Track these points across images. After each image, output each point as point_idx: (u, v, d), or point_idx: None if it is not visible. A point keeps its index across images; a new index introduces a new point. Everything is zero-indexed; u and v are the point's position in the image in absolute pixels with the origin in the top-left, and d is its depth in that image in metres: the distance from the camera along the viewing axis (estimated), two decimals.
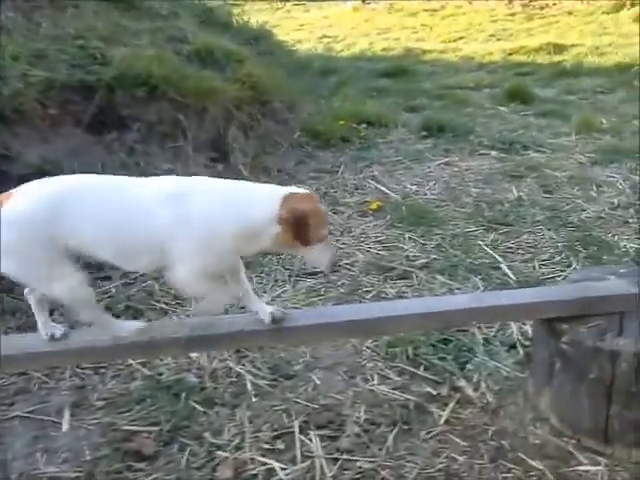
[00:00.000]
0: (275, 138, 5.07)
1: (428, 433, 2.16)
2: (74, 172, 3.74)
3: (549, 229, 3.62)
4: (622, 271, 2.13)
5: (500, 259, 3.29)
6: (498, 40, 10.55)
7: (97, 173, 1.88)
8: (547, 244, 3.42)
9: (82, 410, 2.35)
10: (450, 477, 1.98)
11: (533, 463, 1.98)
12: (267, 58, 8.06)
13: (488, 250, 3.38)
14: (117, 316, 2.97)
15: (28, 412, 2.31)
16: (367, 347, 2.65)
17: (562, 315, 1.90)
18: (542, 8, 12.99)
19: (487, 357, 2.50)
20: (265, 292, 3.16)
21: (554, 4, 13.11)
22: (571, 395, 1.96)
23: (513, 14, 12.82)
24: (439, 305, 1.94)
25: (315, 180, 4.67)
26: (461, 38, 10.98)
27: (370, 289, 3.13)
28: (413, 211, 3.90)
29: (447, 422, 2.20)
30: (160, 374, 2.54)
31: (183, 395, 2.38)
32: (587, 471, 1.94)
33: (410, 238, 3.61)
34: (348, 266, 3.39)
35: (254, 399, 2.37)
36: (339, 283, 3.22)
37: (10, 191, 1.66)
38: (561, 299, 1.89)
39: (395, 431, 2.17)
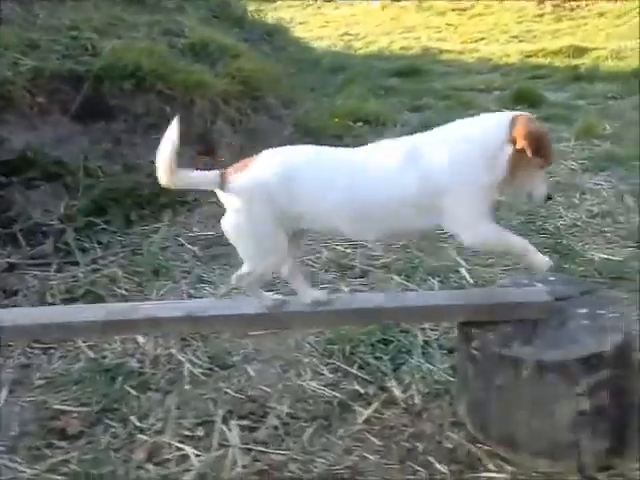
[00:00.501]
0: (266, 133, 5.09)
1: (346, 431, 2.17)
2: (59, 160, 3.99)
3: (521, 235, 3.55)
4: (551, 279, 2.11)
5: (463, 262, 3.26)
6: (520, 42, 10.37)
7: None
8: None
9: (21, 388, 2.44)
10: (355, 475, 1.99)
11: (440, 467, 1.97)
12: (278, 54, 8.16)
13: (453, 253, 3.35)
14: (75, 300, 3.12)
15: None
16: (308, 343, 2.68)
17: (471, 320, 1.88)
18: (573, 9, 12.69)
19: (423, 360, 2.49)
20: (224, 283, 3.21)
21: (586, 5, 12.78)
22: (482, 401, 1.94)
23: (542, 15, 12.57)
24: (351, 303, 1.94)
25: None
26: (482, 39, 10.84)
27: (326, 286, 3.13)
28: None
29: (367, 421, 2.21)
30: (104, 357, 2.61)
31: (120, 379, 2.44)
32: (491, 478, 1.92)
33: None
34: (311, 262, 3.41)
35: (187, 387, 2.42)
36: None
37: (244, 160, 1.82)
38: (471, 303, 1.88)
39: (314, 427, 2.19)
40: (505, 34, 11.08)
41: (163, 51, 4.51)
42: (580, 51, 8.83)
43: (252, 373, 2.51)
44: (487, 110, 6.42)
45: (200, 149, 4.59)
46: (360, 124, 5.74)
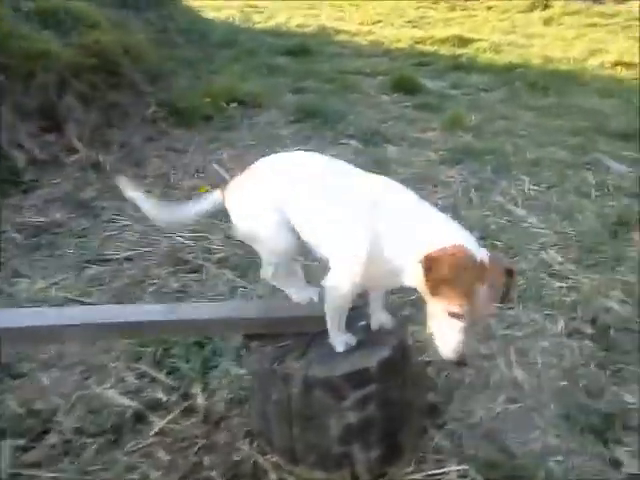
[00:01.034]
0: (126, 111, 4.82)
1: (135, 445, 2.09)
2: None
3: None
4: None
5: (299, 258, 3.23)
6: (414, 27, 10.48)
7: None
8: None
9: None
10: None
11: None
12: (164, 23, 7.75)
13: None
14: None
15: None
16: (119, 345, 2.55)
17: (247, 333, 1.84)
18: (467, 0, 13.01)
19: (234, 363, 2.44)
20: (44, 278, 3.01)
21: None
22: (264, 414, 1.92)
23: (438, 2, 12.79)
24: (123, 315, 1.83)
25: (159, 159, 4.50)
26: (380, 22, 10.86)
27: (155, 281, 3.02)
28: None
29: (161, 433, 2.13)
30: None
31: None
32: None
33: (222, 229, 3.50)
34: (147, 255, 3.27)
35: None
36: (128, 273, 3.10)
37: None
38: (248, 317, 1.83)
39: (100, 442, 2.08)
40: (401, 18, 11.16)
41: (3, 14, 4.10)
42: (464, 41, 9.03)
43: (46, 382, 2.35)
44: (368, 95, 6.48)
45: (44, 125, 4.25)
46: (234, 105, 5.56)
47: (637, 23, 11.49)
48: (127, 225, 3.57)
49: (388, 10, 12.08)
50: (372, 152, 4.79)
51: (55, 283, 2.98)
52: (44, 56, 4.12)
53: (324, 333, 1.80)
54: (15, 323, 1.75)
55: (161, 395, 2.30)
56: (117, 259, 3.23)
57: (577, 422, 2.17)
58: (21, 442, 2.06)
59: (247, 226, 1.87)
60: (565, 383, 2.38)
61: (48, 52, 4.15)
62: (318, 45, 8.74)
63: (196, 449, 2.07)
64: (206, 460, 2.02)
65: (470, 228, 3.54)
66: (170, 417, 2.19)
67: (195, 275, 3.08)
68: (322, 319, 1.82)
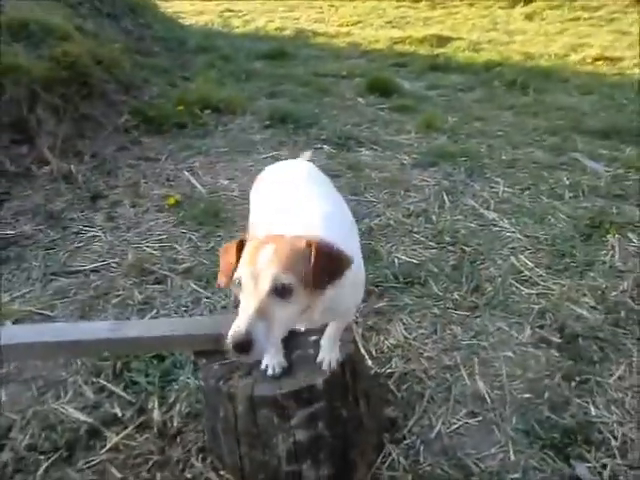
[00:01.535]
0: (99, 121, 4.79)
1: (87, 462, 2.07)
2: None
3: None
4: None
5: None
6: (393, 27, 10.45)
7: None
8: None
9: None
10: None
11: None
12: (141, 31, 7.72)
13: None
14: None
15: None
16: (79, 359, 2.52)
17: (197, 350, 1.81)
18: None
19: (193, 376, 2.42)
20: (8, 291, 2.98)
21: None
22: (213, 431, 1.89)
23: (419, 1, 12.77)
24: (69, 333, 1.81)
25: (131, 168, 4.45)
26: (359, 22, 10.83)
27: (120, 293, 3.00)
28: (208, 209, 3.76)
29: (114, 449, 2.12)
30: None
31: None
32: None
33: (190, 239, 3.48)
34: (114, 266, 3.24)
35: None
36: (93, 285, 3.07)
37: None
38: (195, 333, 1.80)
39: (53, 459, 2.07)
40: (381, 19, 11.13)
41: None
42: (443, 40, 9.02)
43: (4, 397, 2.34)
44: (344, 97, 6.47)
45: (16, 137, 4.24)
46: (208, 112, 5.53)
47: (622, 17, 11.51)
48: (96, 236, 3.54)
49: (368, 10, 12.06)
50: (345, 156, 4.77)
51: (20, 296, 2.95)
52: (14, 70, 4.09)
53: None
54: None
55: (117, 410, 2.28)
56: (83, 271, 3.20)
57: (538, 437, 2.14)
58: None
59: None
60: (529, 396, 2.34)
61: (18, 66, 4.13)
62: (295, 48, 8.72)
63: (149, 465, 2.05)
64: (158, 477, 2.00)
65: (440, 233, 3.60)
66: (125, 433, 2.17)
67: (160, 286, 3.05)
68: None
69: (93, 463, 2.05)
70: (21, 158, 4.19)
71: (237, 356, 1.23)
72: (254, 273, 1.26)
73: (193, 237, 3.50)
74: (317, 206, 1.65)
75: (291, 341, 1.85)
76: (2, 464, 2.03)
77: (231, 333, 1.21)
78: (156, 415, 2.24)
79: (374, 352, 2.57)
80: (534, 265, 3.26)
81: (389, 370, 2.47)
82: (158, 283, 3.08)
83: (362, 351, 2.48)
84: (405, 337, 2.69)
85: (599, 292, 3.03)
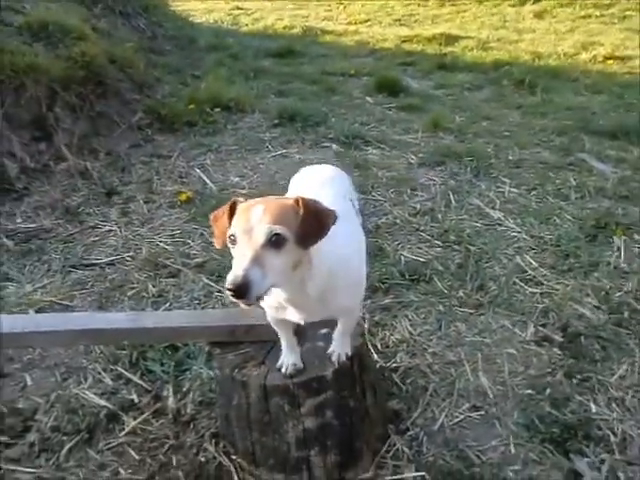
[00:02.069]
0: (113, 119, 4.90)
1: (107, 444, 2.18)
2: None
3: None
4: None
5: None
6: (401, 25, 10.51)
7: None
8: None
9: None
10: None
11: None
12: (153, 30, 7.83)
13: None
14: None
15: None
16: (98, 348, 2.64)
17: (211, 340, 1.91)
18: None
19: (205, 367, 2.52)
20: (31, 282, 3.11)
21: None
22: (226, 418, 1.99)
23: None
24: (90, 322, 1.91)
25: (144, 165, 4.57)
26: (367, 20, 10.89)
27: (135, 286, 3.11)
28: (219, 206, 3.83)
29: (132, 433, 2.22)
30: None
31: None
32: None
33: (202, 234, 3.59)
34: (129, 259, 3.36)
35: None
36: (109, 277, 3.19)
37: None
38: (210, 325, 1.90)
39: (75, 440, 2.18)
40: (389, 17, 11.18)
41: None
42: (451, 39, 9.04)
43: (29, 382, 2.46)
44: (352, 96, 6.54)
45: (35, 134, 4.37)
46: (218, 110, 5.62)
47: (634, 14, 11.42)
48: (111, 231, 3.66)
49: (377, 8, 12.10)
50: (353, 155, 4.85)
51: (41, 287, 3.08)
52: (34, 69, 4.21)
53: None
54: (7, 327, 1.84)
55: (134, 396, 2.39)
56: (100, 264, 3.32)
57: (539, 432, 2.21)
58: (3, 439, 2.17)
59: None
60: (530, 392, 2.41)
61: (38, 65, 4.24)
62: (304, 46, 8.78)
63: (165, 449, 2.16)
64: (174, 460, 2.11)
65: (446, 232, 3.67)
66: (142, 418, 2.28)
67: (173, 280, 3.16)
68: None
69: (112, 445, 2.17)
70: (40, 155, 4.32)
71: (235, 300, 1.30)
72: (248, 228, 1.35)
73: (205, 233, 3.59)
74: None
75: (299, 334, 1.95)
76: (29, 444, 2.15)
77: (229, 279, 1.28)
78: (171, 402, 2.35)
79: (380, 347, 2.66)
80: (538, 265, 3.33)
81: (394, 364, 2.56)
82: (172, 277, 3.19)
83: (369, 345, 2.57)
84: (410, 333, 2.77)
85: (603, 292, 3.08)
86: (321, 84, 6.80)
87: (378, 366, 2.50)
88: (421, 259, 3.37)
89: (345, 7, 12.28)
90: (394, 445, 2.15)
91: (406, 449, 2.14)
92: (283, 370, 1.83)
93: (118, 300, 3.00)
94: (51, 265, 3.29)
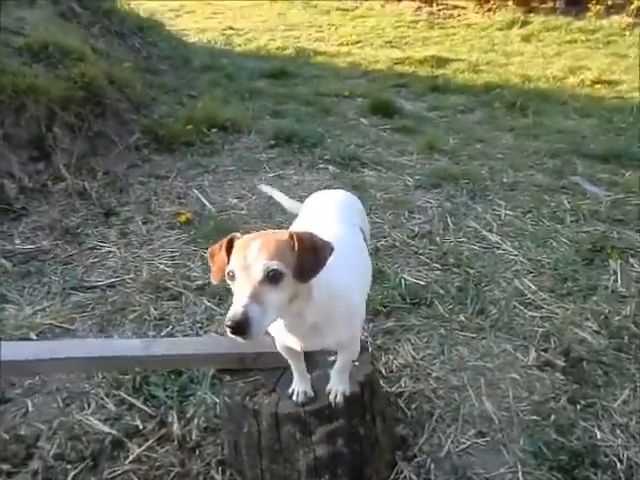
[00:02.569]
0: (111, 139, 4.91)
1: (112, 472, 2.16)
2: None
3: None
4: None
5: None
6: (392, 47, 10.63)
7: None
8: None
9: None
10: None
11: None
12: (148, 50, 7.88)
13: None
14: None
15: None
16: (101, 372, 2.62)
17: (219, 368, 1.91)
18: (446, 18, 13.22)
19: (210, 392, 2.51)
20: (30, 304, 3.08)
21: (458, 15, 13.38)
22: (235, 445, 1.98)
23: (417, 22, 12.96)
24: (100, 349, 1.90)
25: (142, 185, 4.57)
26: (359, 42, 11.00)
27: (137, 309, 3.09)
28: (219, 227, 3.86)
29: (137, 461, 2.20)
30: None
31: None
32: None
33: (202, 256, 3.58)
34: (129, 281, 3.34)
35: None
36: (110, 300, 3.18)
37: None
38: (219, 352, 1.90)
39: (79, 468, 2.16)
40: (380, 39, 11.31)
41: None
42: (442, 61, 9.16)
43: (31, 408, 2.44)
44: (346, 118, 6.60)
45: (34, 154, 4.37)
46: (215, 130, 5.65)
47: (619, 39, 11.69)
48: (110, 252, 3.65)
49: (368, 30, 12.24)
50: (349, 177, 4.89)
51: (41, 310, 3.06)
52: (34, 90, 4.24)
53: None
54: (24, 354, 1.82)
55: (138, 422, 2.37)
56: (100, 286, 3.30)
57: (546, 459, 2.21)
58: (5, 467, 2.14)
59: None
60: (535, 418, 2.42)
61: (38, 86, 4.27)
62: (297, 67, 8.85)
63: (171, 477, 2.14)
64: None
65: (445, 255, 3.70)
66: (147, 445, 2.26)
67: (174, 302, 3.15)
68: None
69: (118, 473, 2.15)
70: (38, 174, 4.32)
71: (234, 336, 1.33)
72: (246, 265, 1.38)
73: (205, 255, 3.59)
74: (325, 228, 1.76)
75: (310, 361, 1.95)
76: (32, 472, 2.13)
77: (229, 316, 1.31)
78: (176, 428, 2.34)
79: (384, 371, 2.67)
80: (537, 288, 3.36)
81: (399, 389, 2.57)
82: (173, 299, 3.19)
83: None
84: (413, 357, 2.78)
85: (602, 317, 3.11)
86: (316, 105, 6.85)
87: (384, 391, 2.50)
88: (421, 282, 3.39)
89: (337, 28, 12.41)
90: (401, 472, 2.15)
91: (414, 476, 2.14)
92: (294, 398, 1.84)
93: (120, 323, 2.98)
94: (50, 287, 3.27)
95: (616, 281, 3.47)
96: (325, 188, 4.62)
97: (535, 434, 2.35)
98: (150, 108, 5.68)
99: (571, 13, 12.89)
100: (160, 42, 8.51)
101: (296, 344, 1.66)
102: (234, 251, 1.45)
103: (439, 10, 13.77)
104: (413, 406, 2.48)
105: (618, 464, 2.22)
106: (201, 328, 2.94)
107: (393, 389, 2.56)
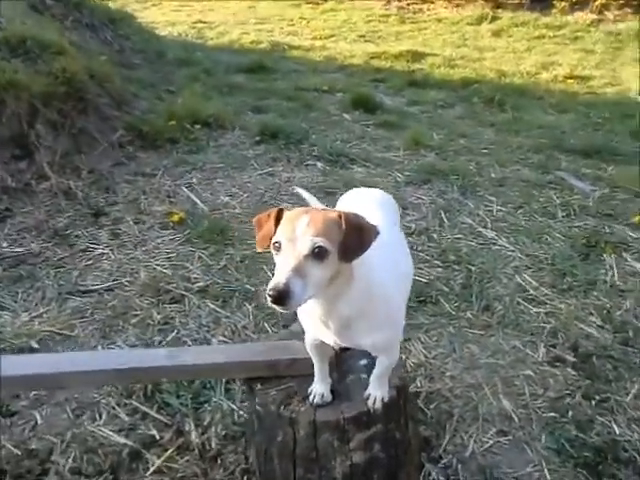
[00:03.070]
0: (94, 136, 4.75)
1: None
2: None
3: None
4: None
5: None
6: (366, 42, 10.62)
7: None
8: None
9: None
10: None
11: None
12: (120, 43, 7.66)
13: (270, 275, 3.33)
14: None
15: None
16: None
17: (256, 376, 1.86)
18: (415, 12, 13.28)
19: (225, 398, 2.45)
20: (27, 311, 2.96)
21: (428, 9, 13.46)
22: (265, 454, 1.93)
23: (388, 15, 12.98)
24: (127, 361, 1.83)
25: (129, 184, 4.43)
26: (332, 36, 10.96)
27: (139, 313, 3.00)
28: (213, 227, 3.78)
29: (158, 472, 2.14)
30: None
31: None
32: None
33: (200, 257, 3.50)
34: (127, 284, 3.24)
35: None
36: (110, 304, 3.07)
37: None
38: (249, 360, 1.85)
39: None
40: (353, 33, 11.28)
41: None
42: (418, 56, 9.20)
43: (40, 420, 2.33)
44: (329, 113, 6.55)
45: (16, 153, 4.19)
46: (198, 127, 5.53)
47: (585, 35, 11.95)
48: (103, 254, 3.53)
49: (339, 24, 12.20)
50: (339, 173, 4.85)
51: (38, 316, 2.94)
52: (14, 85, 4.05)
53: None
54: (19, 370, 1.72)
55: (155, 432, 2.29)
56: (97, 290, 3.19)
57: (570, 456, 2.23)
58: None
59: None
60: (553, 414, 2.44)
61: (18, 81, 4.08)
62: (273, 62, 8.75)
63: None
64: None
65: (444, 252, 3.69)
66: (166, 455, 2.19)
67: (177, 306, 3.07)
68: None
69: None
70: (21, 174, 4.14)
71: (275, 307, 1.33)
72: (292, 237, 1.38)
73: (203, 255, 3.51)
74: None
75: (342, 366, 1.92)
76: None
77: (270, 286, 1.31)
78: (194, 437, 2.27)
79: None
80: (538, 284, 3.39)
81: (415, 389, 2.55)
82: (175, 302, 3.10)
83: None
84: (425, 356, 2.78)
85: (604, 311, 3.17)
86: (297, 100, 6.78)
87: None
88: (423, 280, 3.38)
89: (308, 22, 12.33)
90: (429, 474, 2.14)
91: (442, 478, 2.13)
92: (310, 399, 1.81)
93: (122, 329, 2.88)
94: (45, 292, 3.13)
95: (613, 276, 3.53)
96: (316, 185, 4.65)
97: (556, 431, 2.37)
98: (131, 104, 5.52)
99: (537, 9, 13.09)
100: (132, 35, 8.27)
101: (329, 338, 1.63)
102: (282, 222, 1.45)
103: (408, 4, 13.81)
104: (432, 406, 2.47)
105: (638, 458, 2.25)
106: (208, 332, 2.87)
107: (410, 389, 2.54)
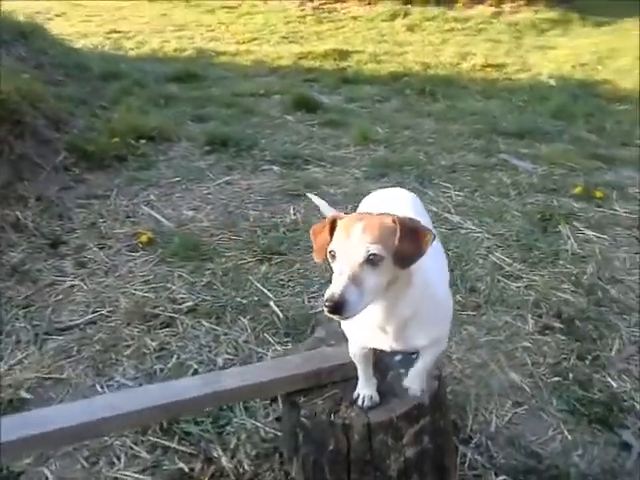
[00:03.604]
0: (35, 162, 4.50)
1: None
2: None
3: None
4: None
5: (270, 295, 3.23)
6: (290, 42, 10.62)
7: None
8: (317, 274, 3.42)
9: None
10: None
11: None
12: (37, 58, 7.27)
13: (258, 285, 3.30)
14: None
15: None
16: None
17: (298, 389, 1.84)
18: (330, 12, 13.42)
19: (246, 416, 2.41)
20: (2, 359, 2.76)
21: (342, 8, 13.63)
22: (314, 464, 1.92)
23: (304, 16, 13.02)
24: (165, 395, 1.76)
25: (83, 208, 4.23)
26: (255, 39, 10.86)
27: (130, 343, 2.88)
28: (185, 243, 3.69)
29: None
30: None
31: None
32: None
33: (180, 276, 3.41)
34: (109, 315, 3.10)
35: None
36: (95, 338, 2.92)
37: None
38: (290, 375, 1.83)
39: None
40: (275, 35, 11.24)
41: None
42: (344, 54, 9.30)
43: (50, 477, 2.17)
44: (271, 116, 6.51)
45: None
46: (144, 141, 5.36)
47: (488, 26, 12.55)
48: (74, 286, 3.35)
49: (259, 27, 12.12)
50: (298, 175, 4.85)
51: (18, 363, 2.75)
52: None
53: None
54: (57, 424, 1.61)
55: (182, 465, 2.21)
56: (78, 325, 3.03)
57: (583, 414, 2.40)
58: None
59: None
60: (558, 379, 2.60)
61: None
62: (202, 69, 8.56)
63: None
64: None
65: None
66: None
67: (170, 329, 2.97)
68: None
69: None
70: None
71: (333, 317, 1.35)
72: (347, 245, 1.39)
73: (183, 274, 3.42)
74: None
75: (379, 365, 1.94)
76: None
77: (327, 297, 1.32)
78: (225, 462, 2.21)
79: None
80: (512, 261, 3.57)
81: None
82: (166, 327, 2.99)
83: None
84: None
85: (573, 277, 3.40)
86: (236, 106, 6.70)
87: None
88: None
89: (227, 27, 12.16)
90: (465, 456, 2.20)
91: (478, 457, 2.20)
92: (359, 402, 1.82)
93: (117, 362, 2.75)
94: (19, 336, 2.92)
95: (572, 244, 3.77)
96: (278, 189, 4.62)
97: (563, 394, 2.53)
98: (69, 123, 5.27)
99: (442, 4, 13.59)
100: (48, 49, 7.85)
101: (385, 343, 1.63)
102: (337, 231, 1.46)
103: (322, 4, 13.92)
104: (448, 390, 2.52)
105: (637, 406, 2.44)
106: (210, 352, 2.80)
107: None
